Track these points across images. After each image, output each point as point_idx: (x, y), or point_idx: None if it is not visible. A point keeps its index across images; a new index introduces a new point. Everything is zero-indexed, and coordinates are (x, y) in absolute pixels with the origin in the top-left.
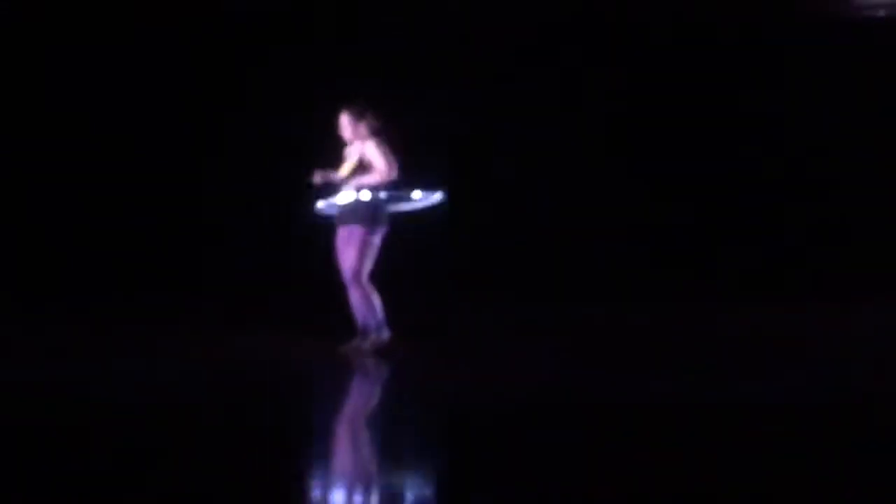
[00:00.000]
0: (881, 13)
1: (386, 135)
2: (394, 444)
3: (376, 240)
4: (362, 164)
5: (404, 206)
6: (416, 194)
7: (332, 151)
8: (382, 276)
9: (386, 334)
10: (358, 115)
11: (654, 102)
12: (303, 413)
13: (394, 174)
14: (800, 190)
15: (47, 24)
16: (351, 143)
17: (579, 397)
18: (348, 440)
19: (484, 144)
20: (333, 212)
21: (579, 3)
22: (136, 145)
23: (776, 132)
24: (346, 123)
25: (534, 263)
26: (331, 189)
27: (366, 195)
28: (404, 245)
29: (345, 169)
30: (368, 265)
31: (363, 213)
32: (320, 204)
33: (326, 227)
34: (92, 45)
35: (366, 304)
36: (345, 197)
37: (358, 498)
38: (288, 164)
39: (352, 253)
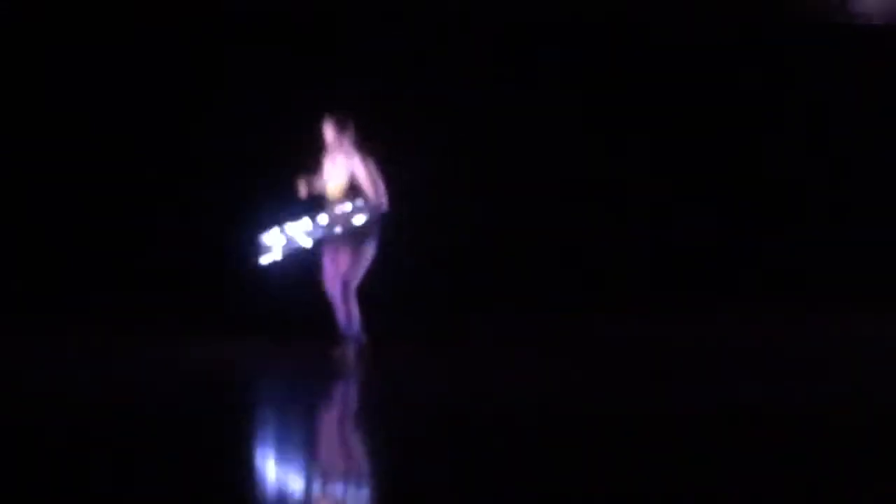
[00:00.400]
0: (875, 21)
1: (369, 149)
2: (393, 450)
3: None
4: (352, 182)
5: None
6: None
7: (309, 158)
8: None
9: (362, 341)
10: (341, 126)
11: (653, 104)
12: (290, 414)
13: (384, 201)
14: (800, 192)
15: (47, 24)
16: (332, 153)
17: (582, 406)
18: (343, 443)
19: (484, 147)
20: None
21: (581, 3)
22: (125, 146)
23: (776, 136)
24: (330, 133)
25: (534, 271)
26: (315, 201)
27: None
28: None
29: (334, 189)
30: None
31: (370, 231)
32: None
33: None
34: (92, 45)
35: (355, 313)
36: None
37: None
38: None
39: (357, 266)
